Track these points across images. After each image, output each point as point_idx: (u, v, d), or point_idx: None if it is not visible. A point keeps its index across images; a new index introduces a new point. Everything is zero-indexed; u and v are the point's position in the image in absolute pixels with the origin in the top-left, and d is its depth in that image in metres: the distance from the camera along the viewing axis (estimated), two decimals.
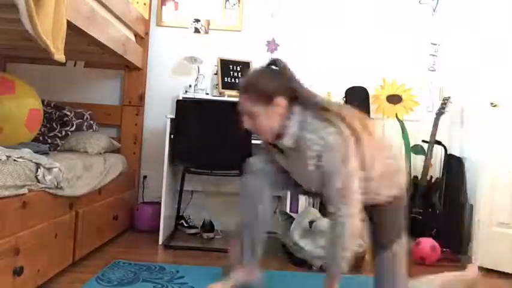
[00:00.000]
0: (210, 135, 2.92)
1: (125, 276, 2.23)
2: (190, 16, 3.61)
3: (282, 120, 1.73)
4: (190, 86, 3.46)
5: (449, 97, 3.39)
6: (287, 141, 1.73)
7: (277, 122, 1.73)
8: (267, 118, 1.73)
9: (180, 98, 3.32)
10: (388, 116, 3.61)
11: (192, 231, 3.30)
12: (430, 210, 3.25)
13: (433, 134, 3.36)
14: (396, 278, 1.81)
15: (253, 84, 1.75)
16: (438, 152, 3.50)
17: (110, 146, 3.09)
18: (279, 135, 1.75)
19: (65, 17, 1.87)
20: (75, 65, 3.60)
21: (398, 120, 3.58)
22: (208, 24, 3.61)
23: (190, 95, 3.39)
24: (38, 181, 1.93)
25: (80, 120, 3.26)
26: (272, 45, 3.63)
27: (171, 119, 2.99)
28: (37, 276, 1.92)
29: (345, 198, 1.64)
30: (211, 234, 3.24)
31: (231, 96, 3.39)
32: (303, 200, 3.12)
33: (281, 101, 1.72)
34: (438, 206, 3.24)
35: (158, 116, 3.55)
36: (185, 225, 3.35)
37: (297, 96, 1.74)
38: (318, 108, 1.72)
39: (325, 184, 1.67)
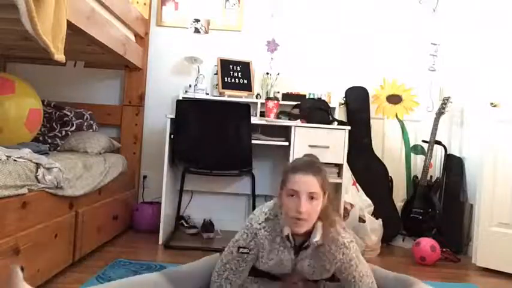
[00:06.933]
0: (210, 135, 2.92)
1: (125, 275, 2.22)
2: (190, 16, 3.61)
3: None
4: (190, 86, 3.46)
5: (449, 97, 3.39)
6: (316, 238, 1.67)
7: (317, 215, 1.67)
8: (318, 206, 1.64)
9: (180, 98, 3.33)
10: (388, 116, 3.61)
11: (192, 231, 3.30)
12: (430, 210, 3.25)
13: (433, 134, 3.36)
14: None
15: (322, 169, 1.69)
16: (438, 152, 3.50)
17: (110, 146, 3.09)
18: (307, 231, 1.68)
19: (65, 17, 1.87)
20: (75, 65, 3.59)
21: (399, 120, 3.59)
22: (208, 24, 3.61)
23: (190, 95, 3.39)
24: (38, 181, 1.93)
25: (80, 120, 3.26)
26: (272, 45, 3.63)
27: (171, 119, 2.99)
28: (37, 276, 1.92)
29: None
30: (211, 234, 3.24)
31: (231, 96, 3.39)
32: None
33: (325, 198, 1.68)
34: (438, 206, 3.24)
35: (158, 116, 3.55)
36: (185, 225, 3.35)
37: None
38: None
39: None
